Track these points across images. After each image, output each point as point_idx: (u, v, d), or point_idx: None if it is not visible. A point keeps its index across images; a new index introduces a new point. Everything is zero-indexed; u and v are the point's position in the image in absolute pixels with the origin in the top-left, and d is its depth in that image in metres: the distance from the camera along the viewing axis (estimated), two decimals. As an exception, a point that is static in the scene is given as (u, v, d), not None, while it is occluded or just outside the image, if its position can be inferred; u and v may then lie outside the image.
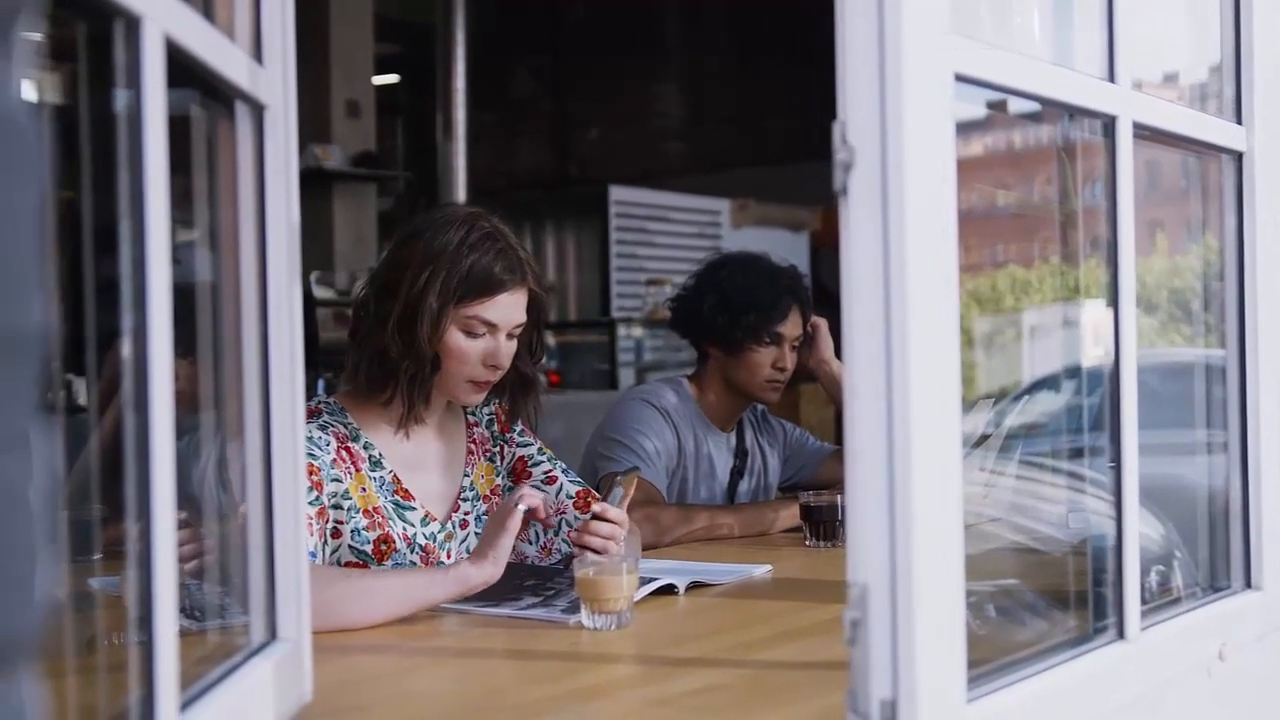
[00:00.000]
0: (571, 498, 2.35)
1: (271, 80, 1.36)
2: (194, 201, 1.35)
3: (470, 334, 2.19)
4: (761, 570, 2.36)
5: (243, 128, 1.34)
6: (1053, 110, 1.60)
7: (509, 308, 2.21)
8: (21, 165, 0.54)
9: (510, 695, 1.57)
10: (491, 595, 2.04)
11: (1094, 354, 1.90)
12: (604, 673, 1.70)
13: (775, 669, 1.68)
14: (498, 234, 2.23)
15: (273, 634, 1.38)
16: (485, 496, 2.36)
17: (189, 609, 1.35)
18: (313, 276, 6.73)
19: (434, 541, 2.25)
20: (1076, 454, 1.97)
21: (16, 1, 0.54)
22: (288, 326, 1.38)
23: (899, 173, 1.16)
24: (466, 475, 2.35)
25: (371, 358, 2.20)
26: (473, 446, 2.38)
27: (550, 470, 2.40)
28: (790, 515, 2.83)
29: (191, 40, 1.11)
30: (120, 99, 1.02)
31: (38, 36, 0.58)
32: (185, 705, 1.10)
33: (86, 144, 1.07)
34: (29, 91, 0.56)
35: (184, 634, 1.09)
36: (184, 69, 1.12)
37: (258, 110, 1.35)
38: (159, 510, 1.02)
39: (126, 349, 1.01)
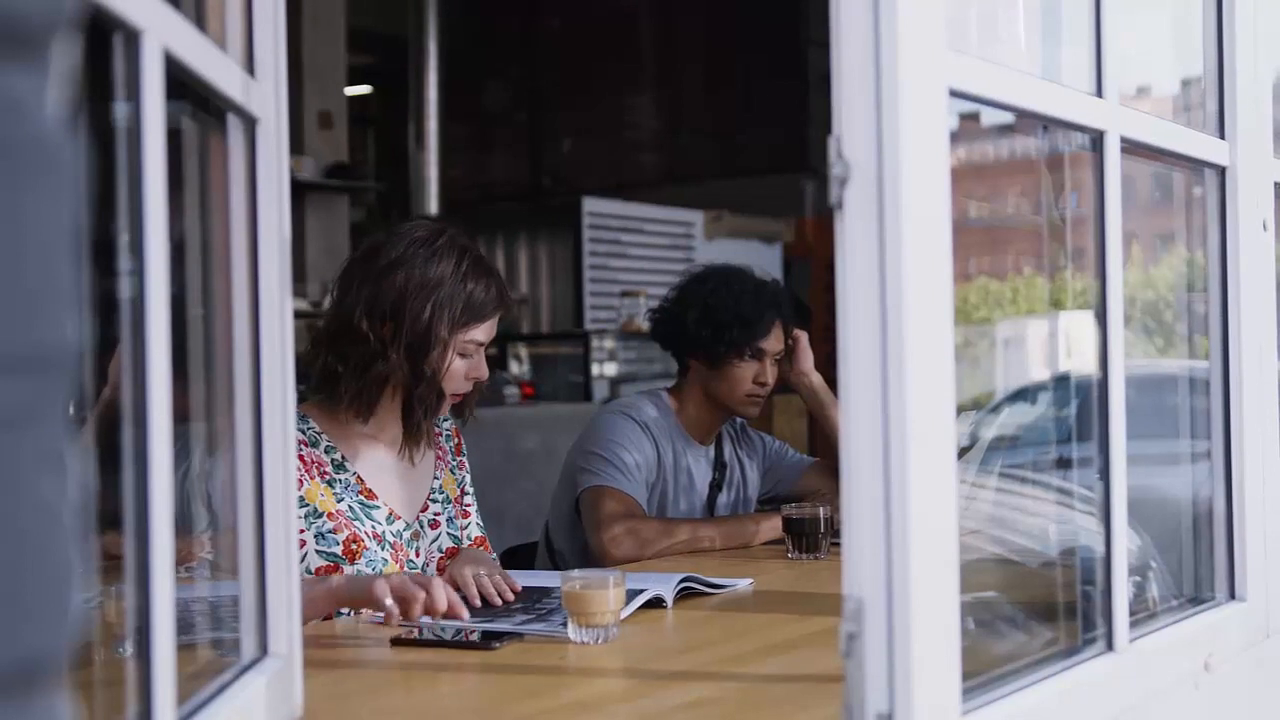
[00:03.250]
0: (471, 540, 2.44)
1: (264, 93, 1.36)
2: (185, 214, 1.34)
3: (463, 355, 2.30)
4: (744, 584, 2.36)
5: (235, 140, 1.33)
6: (1026, 122, 1.61)
7: (495, 326, 2.34)
8: (58, 184, 0.54)
9: (501, 710, 1.57)
10: (484, 613, 2.04)
11: (1070, 366, 1.91)
12: (594, 687, 1.70)
13: (766, 682, 1.68)
14: (482, 259, 2.34)
15: (264, 649, 1.37)
16: (455, 500, 2.46)
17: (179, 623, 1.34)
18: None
19: (401, 539, 2.31)
20: (1056, 466, 1.98)
21: (52, 21, 0.54)
22: (279, 339, 1.38)
23: (895, 186, 1.16)
24: (436, 478, 2.42)
25: (376, 383, 2.25)
26: (440, 453, 2.46)
27: (469, 506, 2.51)
28: (771, 528, 2.83)
29: (189, 53, 1.10)
30: (118, 111, 1.01)
31: (74, 54, 0.58)
32: (181, 722, 1.09)
33: (82, 155, 1.06)
34: (64, 108, 0.56)
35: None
36: (177, 81, 1.11)
37: (250, 123, 1.34)
38: (156, 525, 1.01)
39: (125, 363, 1.00)
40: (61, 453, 0.54)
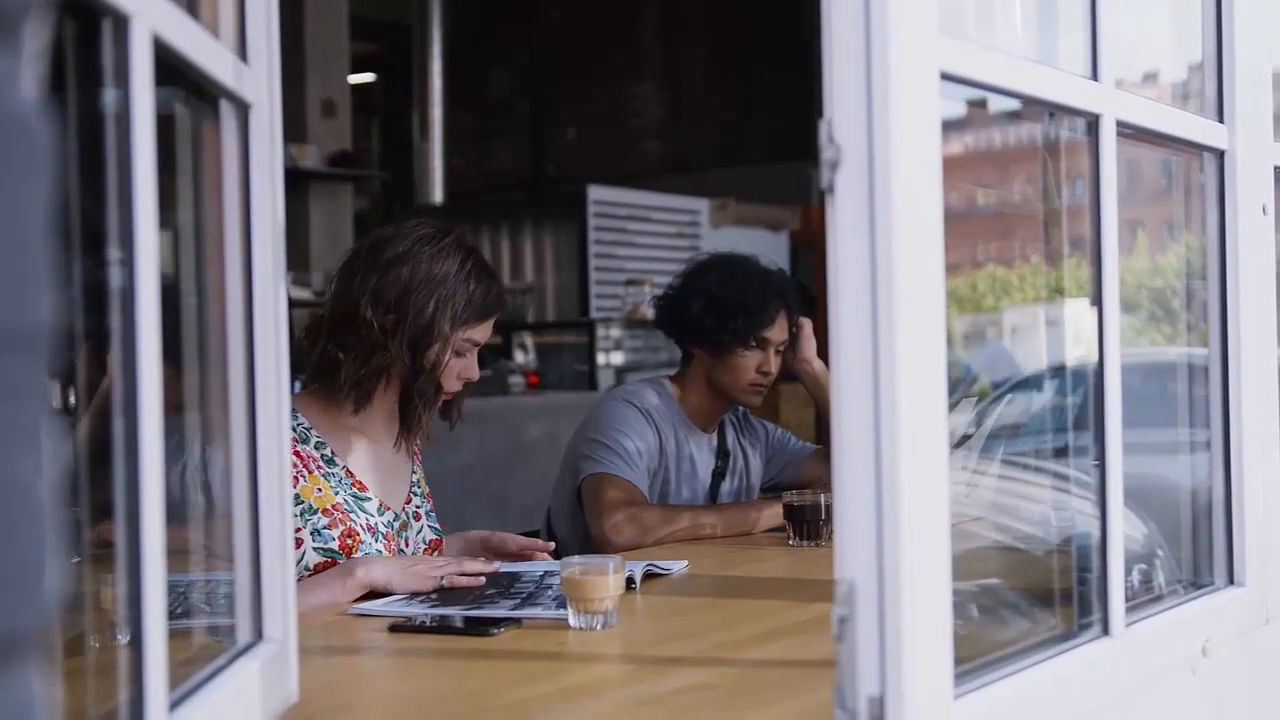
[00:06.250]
0: (425, 544, 2.45)
1: (257, 79, 1.36)
2: (177, 201, 1.34)
3: (458, 354, 2.32)
4: (680, 565, 2.38)
5: (228, 127, 1.34)
6: (1033, 109, 1.60)
7: (490, 328, 2.38)
8: (31, 165, 0.54)
9: (498, 695, 1.57)
10: (469, 601, 2.04)
11: (1075, 353, 1.91)
12: (591, 672, 1.70)
13: (762, 667, 1.68)
14: (485, 261, 2.38)
15: (259, 634, 1.37)
16: (428, 496, 2.50)
17: (173, 609, 1.35)
18: (288, 277, 6.68)
19: (392, 529, 2.35)
20: (1059, 453, 1.98)
21: (24, 3, 0.54)
22: (273, 327, 1.38)
23: (886, 171, 1.16)
24: (414, 472, 2.47)
25: (376, 373, 2.28)
26: (416, 450, 2.50)
27: (429, 507, 2.52)
28: (773, 515, 2.83)
29: (179, 39, 1.10)
30: (107, 97, 1.01)
31: (45, 36, 0.58)
32: (173, 706, 1.09)
33: (70, 142, 1.06)
34: (37, 89, 0.56)
35: (169, 634, 1.08)
36: (168, 67, 1.11)
37: (243, 109, 1.34)
38: (147, 511, 1.01)
39: (115, 351, 1.01)
40: (37, 431, 0.54)
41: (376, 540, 2.29)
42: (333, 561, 2.21)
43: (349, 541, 2.25)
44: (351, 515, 2.27)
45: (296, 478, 2.22)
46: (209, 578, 1.48)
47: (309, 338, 2.33)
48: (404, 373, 2.29)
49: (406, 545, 2.38)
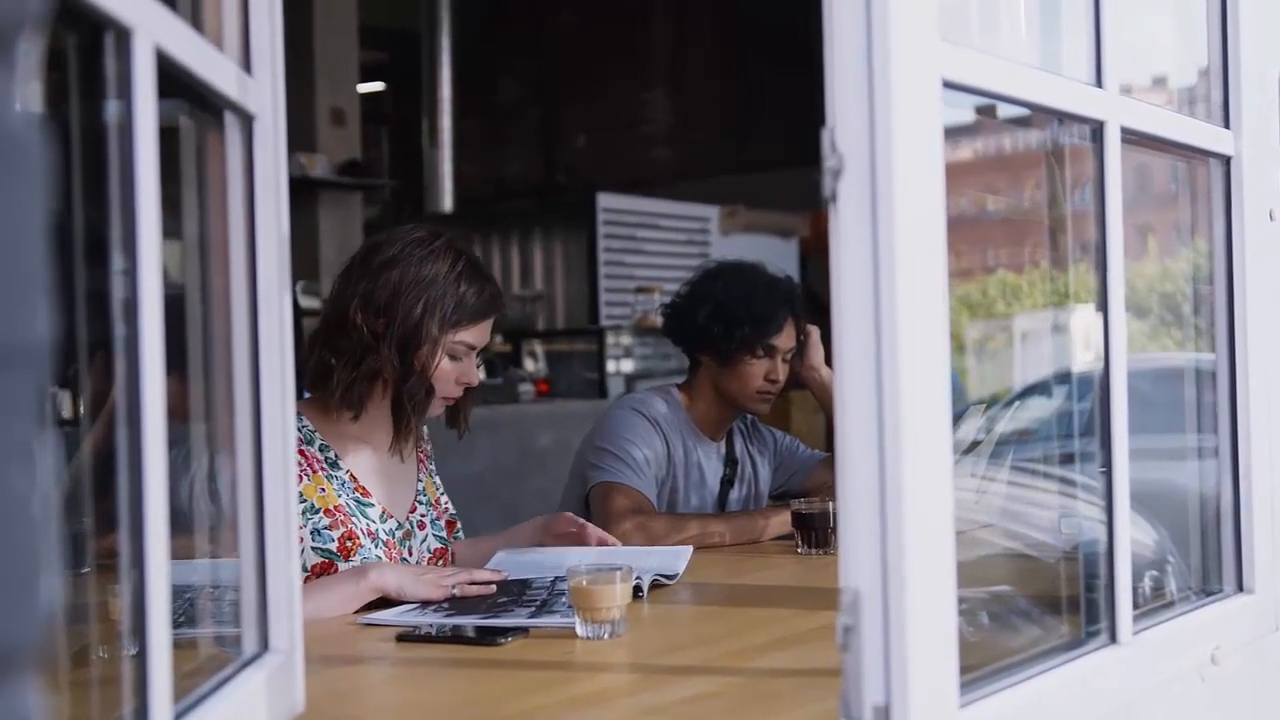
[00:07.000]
0: (430, 553, 2.44)
1: (261, 90, 1.36)
2: (182, 212, 1.34)
3: (453, 357, 2.32)
4: (684, 554, 2.39)
5: (232, 138, 1.34)
6: (1041, 115, 1.60)
7: (488, 331, 2.36)
8: (26, 178, 0.54)
9: (504, 705, 1.57)
10: (482, 610, 2.04)
11: (1084, 359, 1.91)
12: (598, 681, 1.70)
13: (769, 676, 1.68)
14: (478, 263, 2.37)
15: (265, 645, 1.37)
16: (435, 503, 2.49)
17: (178, 618, 1.35)
18: (298, 286, 6.72)
19: (393, 538, 2.35)
20: (1068, 459, 1.97)
21: (20, 15, 0.54)
22: (278, 337, 1.38)
23: (888, 179, 1.16)
24: (419, 481, 2.46)
25: (367, 377, 2.28)
26: (422, 458, 2.50)
27: (434, 516, 2.50)
28: (781, 522, 2.83)
29: (182, 51, 1.11)
30: (110, 109, 1.02)
31: (40, 49, 0.59)
32: (178, 716, 1.10)
33: (75, 154, 1.06)
34: (32, 104, 0.56)
35: (175, 644, 1.08)
36: (172, 79, 1.11)
37: (247, 120, 1.34)
38: (151, 522, 1.02)
39: (118, 362, 1.01)
40: (31, 445, 0.54)
41: (376, 546, 2.29)
42: (331, 563, 2.21)
43: (348, 544, 2.24)
44: (353, 518, 2.27)
45: (300, 476, 2.22)
46: (215, 583, 1.49)
47: (308, 345, 2.34)
48: (395, 375, 2.28)
49: (410, 554, 2.38)
